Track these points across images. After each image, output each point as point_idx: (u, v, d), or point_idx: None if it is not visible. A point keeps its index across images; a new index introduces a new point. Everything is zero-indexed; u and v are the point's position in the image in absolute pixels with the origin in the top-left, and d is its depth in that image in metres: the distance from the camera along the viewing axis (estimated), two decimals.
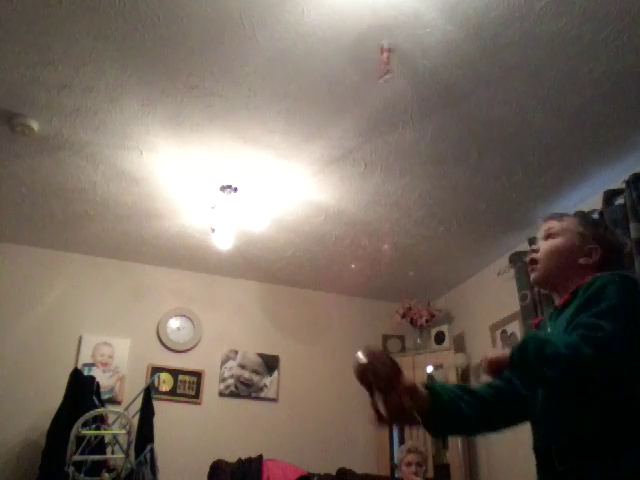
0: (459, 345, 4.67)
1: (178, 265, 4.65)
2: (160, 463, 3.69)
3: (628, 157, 3.27)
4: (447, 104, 2.92)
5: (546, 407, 1.50)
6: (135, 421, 3.71)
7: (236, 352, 4.62)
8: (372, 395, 1.39)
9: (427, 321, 4.78)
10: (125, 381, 4.22)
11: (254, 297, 4.87)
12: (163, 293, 4.61)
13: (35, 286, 4.28)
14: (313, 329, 4.94)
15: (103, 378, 4.08)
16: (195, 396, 4.37)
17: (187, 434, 4.24)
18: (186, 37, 2.54)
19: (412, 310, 4.83)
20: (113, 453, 3.63)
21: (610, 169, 3.38)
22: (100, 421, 3.60)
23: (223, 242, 3.72)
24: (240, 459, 4.01)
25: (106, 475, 3.40)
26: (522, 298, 3.80)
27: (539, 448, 1.52)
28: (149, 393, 3.87)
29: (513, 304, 3.99)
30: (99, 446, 3.54)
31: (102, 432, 3.56)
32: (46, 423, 3.63)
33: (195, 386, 4.39)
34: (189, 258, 4.53)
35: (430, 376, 4.44)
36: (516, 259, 3.94)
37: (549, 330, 1.58)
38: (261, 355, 4.68)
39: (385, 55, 2.45)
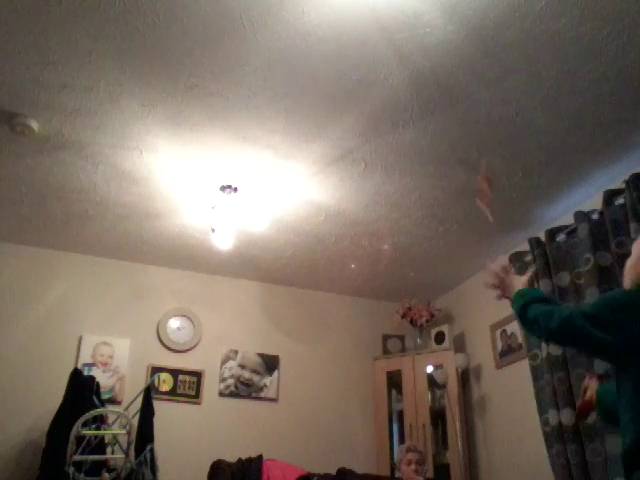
0: (459, 345, 4.67)
1: (178, 265, 4.65)
2: (160, 463, 3.69)
3: (628, 157, 3.28)
4: (447, 104, 2.92)
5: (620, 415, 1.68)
6: (135, 421, 3.71)
7: (236, 352, 4.62)
8: None
9: (427, 321, 4.78)
10: (125, 381, 4.22)
11: (254, 297, 4.87)
12: (163, 293, 4.61)
13: (35, 286, 4.28)
14: (313, 329, 4.94)
15: (103, 378, 4.08)
16: (195, 396, 4.37)
17: (187, 434, 4.24)
18: (186, 37, 2.54)
19: (412, 310, 4.83)
20: (113, 453, 3.63)
21: (610, 169, 3.38)
22: (100, 421, 3.60)
23: (223, 242, 3.72)
24: (240, 459, 4.01)
25: (106, 475, 3.40)
26: None
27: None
28: (149, 393, 3.87)
29: None
30: (99, 446, 3.54)
31: (102, 432, 3.56)
32: (46, 423, 3.62)
33: (195, 386, 4.39)
34: (189, 258, 4.53)
35: (430, 376, 4.44)
36: (516, 259, 3.93)
37: None
38: (261, 355, 4.68)
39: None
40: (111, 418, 3.73)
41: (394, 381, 4.73)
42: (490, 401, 4.32)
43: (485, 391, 4.40)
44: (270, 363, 4.68)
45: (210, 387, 4.44)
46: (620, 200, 3.25)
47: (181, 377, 4.38)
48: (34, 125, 3.06)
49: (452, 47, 2.57)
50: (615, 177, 3.36)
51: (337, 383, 4.79)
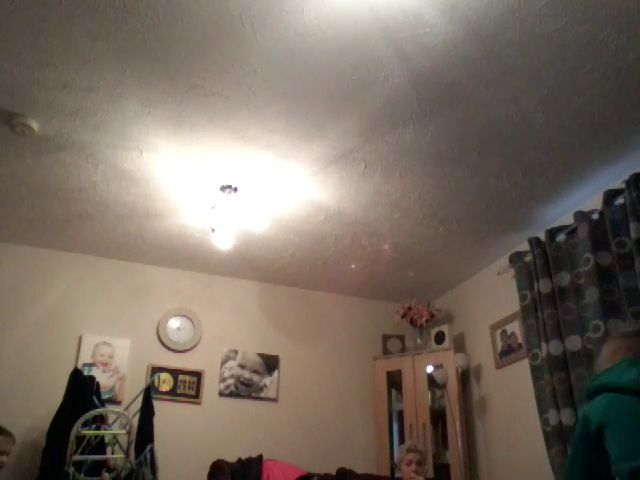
0: (459, 345, 4.67)
1: (178, 265, 4.65)
2: (160, 463, 3.70)
3: (628, 157, 3.28)
4: (447, 104, 2.92)
5: None
6: (135, 421, 3.71)
7: (236, 352, 4.62)
8: None
9: (427, 321, 4.78)
10: (125, 381, 4.22)
11: (254, 297, 4.87)
12: (163, 293, 4.61)
13: (35, 286, 4.28)
14: (313, 329, 4.94)
15: (103, 378, 4.08)
16: (195, 396, 4.37)
17: (187, 434, 4.24)
18: (186, 37, 2.54)
19: (412, 310, 4.83)
20: (113, 453, 3.63)
21: (610, 169, 3.38)
22: (100, 421, 3.60)
23: (223, 242, 3.72)
24: (240, 459, 4.01)
25: (106, 475, 3.40)
26: (522, 298, 3.80)
27: None
28: (149, 393, 3.88)
29: (513, 304, 3.99)
30: (99, 446, 3.54)
31: (102, 432, 3.56)
32: (46, 423, 3.63)
33: (195, 386, 4.39)
34: (189, 258, 4.53)
35: (430, 376, 4.44)
36: (516, 259, 3.94)
37: None
38: (261, 355, 4.68)
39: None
40: (111, 418, 3.73)
41: (394, 381, 4.72)
42: (490, 401, 4.32)
43: (485, 391, 4.40)
44: (270, 363, 4.68)
45: (210, 387, 4.44)
46: (620, 200, 3.25)
47: (181, 377, 4.38)
48: (34, 125, 3.06)
49: (452, 47, 2.57)
50: (615, 177, 3.36)
51: (337, 383, 4.79)
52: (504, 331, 4.23)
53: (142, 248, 4.39)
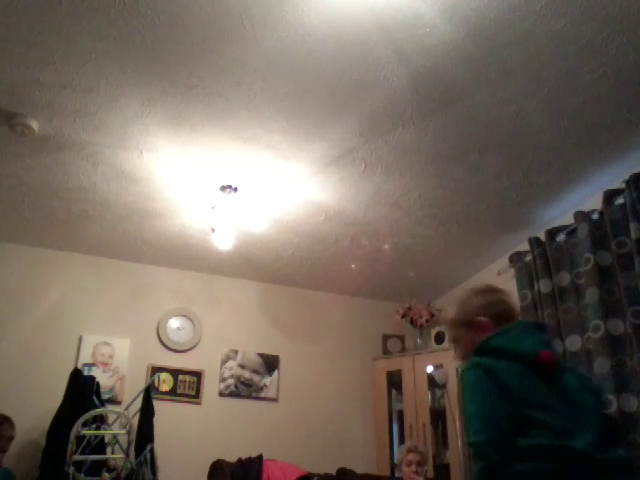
0: None
1: (178, 265, 4.65)
2: (160, 463, 3.70)
3: (628, 157, 3.27)
4: (447, 104, 2.92)
5: None
6: (135, 421, 3.71)
7: (236, 352, 4.62)
8: None
9: (427, 321, 4.78)
10: (125, 381, 4.23)
11: (254, 297, 4.87)
12: (163, 293, 4.61)
13: (35, 286, 4.28)
14: (313, 329, 4.95)
15: (103, 378, 4.09)
16: (195, 396, 4.37)
17: (187, 434, 4.24)
18: (186, 37, 2.54)
19: (412, 310, 4.83)
20: (113, 453, 3.63)
21: (610, 169, 3.38)
22: (100, 421, 3.60)
23: (223, 242, 3.72)
24: (240, 459, 4.02)
25: (106, 475, 3.40)
26: (522, 298, 3.80)
27: None
28: (149, 393, 3.88)
29: None
30: (99, 446, 3.54)
31: (102, 432, 3.57)
32: (46, 423, 3.63)
33: (195, 386, 4.39)
34: (189, 258, 4.53)
35: (430, 376, 4.44)
36: (516, 259, 3.94)
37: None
38: (261, 355, 4.68)
39: None
40: (111, 418, 3.73)
41: (394, 381, 4.73)
42: None
43: None
44: (270, 363, 4.68)
45: (210, 387, 4.44)
46: (620, 200, 3.25)
47: (181, 377, 4.38)
48: (34, 125, 3.06)
49: (452, 47, 2.57)
50: (615, 177, 3.36)
51: (337, 383, 4.79)
52: None
53: (142, 248, 4.39)
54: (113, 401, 4.10)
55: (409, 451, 3.57)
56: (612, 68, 2.69)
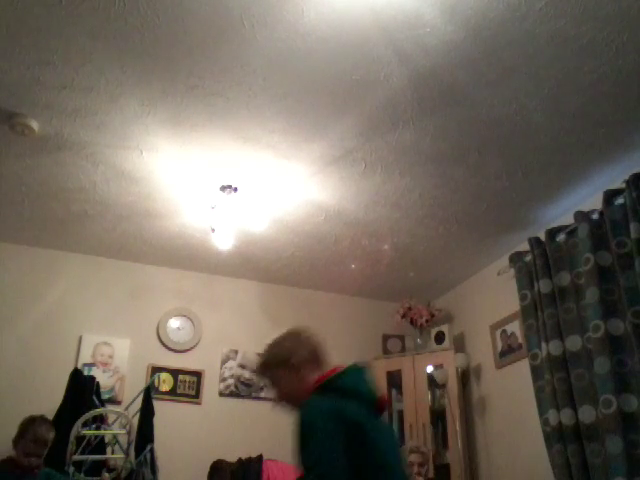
0: (459, 345, 4.67)
1: (178, 265, 4.65)
2: (160, 463, 3.70)
3: (628, 157, 3.28)
4: (447, 104, 2.92)
5: None
6: (135, 421, 3.71)
7: (236, 352, 4.62)
8: None
9: (427, 321, 4.77)
10: (125, 381, 4.22)
11: (254, 297, 4.87)
12: (163, 293, 4.60)
13: (35, 286, 4.28)
14: (313, 329, 4.93)
15: (103, 378, 4.08)
16: (195, 396, 4.37)
17: (187, 434, 4.24)
18: (186, 37, 2.54)
19: (412, 310, 4.83)
20: (113, 453, 3.63)
21: (610, 169, 3.38)
22: (100, 421, 3.60)
23: (223, 242, 3.72)
24: (240, 459, 4.01)
25: (106, 475, 3.40)
26: (522, 298, 3.80)
27: None
28: (149, 393, 3.88)
29: (513, 304, 3.99)
30: (99, 446, 3.54)
31: (102, 432, 3.57)
32: None
33: (195, 386, 4.39)
34: (189, 258, 4.53)
35: (430, 376, 4.44)
36: (516, 259, 3.94)
37: None
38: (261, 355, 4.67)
39: None
40: (111, 418, 3.73)
41: (394, 381, 4.72)
42: (490, 401, 4.32)
43: (485, 391, 4.39)
44: None
45: (210, 387, 4.44)
46: (620, 200, 3.25)
47: (181, 377, 4.38)
48: (34, 125, 3.06)
49: (452, 47, 2.57)
50: (615, 177, 3.36)
51: None
52: (504, 331, 4.23)
53: (142, 248, 4.39)
54: (113, 401, 4.10)
55: (411, 452, 3.56)
56: (612, 68, 2.69)
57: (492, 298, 4.43)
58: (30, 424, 2.96)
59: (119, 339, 4.31)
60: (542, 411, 3.48)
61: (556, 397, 3.37)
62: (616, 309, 3.16)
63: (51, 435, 3.01)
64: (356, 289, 5.01)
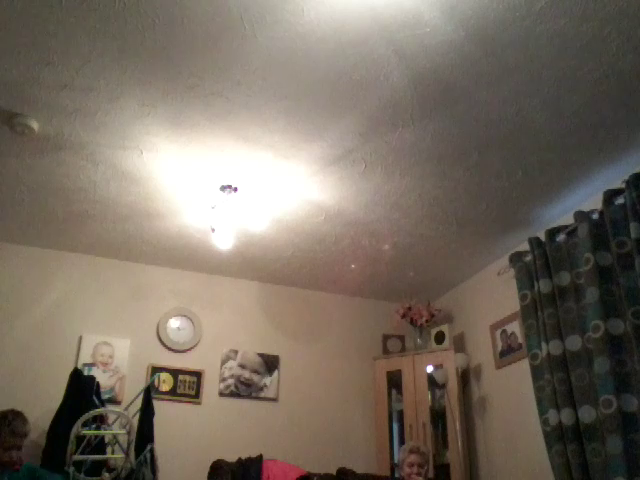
0: (459, 345, 4.67)
1: (178, 265, 4.65)
2: (160, 463, 3.70)
3: (628, 157, 3.28)
4: (447, 104, 2.92)
5: None
6: (135, 421, 3.71)
7: (236, 352, 4.62)
8: None
9: (427, 321, 4.78)
10: (125, 381, 4.22)
11: (254, 297, 4.87)
12: (163, 293, 4.61)
13: (35, 286, 4.28)
14: (313, 329, 4.94)
15: (103, 378, 4.08)
16: (195, 396, 4.37)
17: (187, 434, 4.24)
18: (186, 37, 2.54)
19: (412, 310, 4.83)
20: (113, 453, 3.63)
21: (610, 169, 3.38)
22: (100, 421, 3.60)
23: (223, 242, 3.72)
24: (240, 459, 4.01)
25: (106, 475, 3.40)
26: (522, 298, 3.80)
27: None
28: (149, 393, 3.88)
29: (513, 304, 3.99)
30: (99, 446, 3.54)
31: (102, 432, 3.56)
32: (46, 423, 3.63)
33: (195, 386, 4.39)
34: (189, 258, 4.53)
35: (430, 376, 4.44)
36: (516, 259, 3.94)
37: None
38: (261, 355, 4.68)
39: None
40: (111, 418, 3.73)
41: (394, 381, 4.72)
42: (490, 401, 4.32)
43: (485, 391, 4.40)
44: (270, 363, 4.68)
45: (210, 387, 4.44)
46: (620, 200, 3.25)
47: (181, 377, 4.38)
48: (34, 125, 3.06)
49: (452, 47, 2.58)
50: (615, 177, 3.37)
51: (337, 383, 4.79)
52: (504, 331, 4.24)
53: (142, 248, 4.39)
54: (113, 401, 4.10)
55: (411, 452, 3.55)
56: (612, 68, 2.69)
57: (492, 298, 4.43)
58: (3, 419, 2.95)
59: (119, 339, 4.31)
60: (542, 411, 3.48)
61: (556, 397, 3.37)
62: (616, 309, 3.16)
63: (28, 427, 3.02)
64: (356, 289, 5.02)
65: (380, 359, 4.81)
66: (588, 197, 3.60)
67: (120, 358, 4.27)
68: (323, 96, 2.88)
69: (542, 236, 3.72)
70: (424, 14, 2.41)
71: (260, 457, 4.04)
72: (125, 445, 3.59)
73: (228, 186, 3.58)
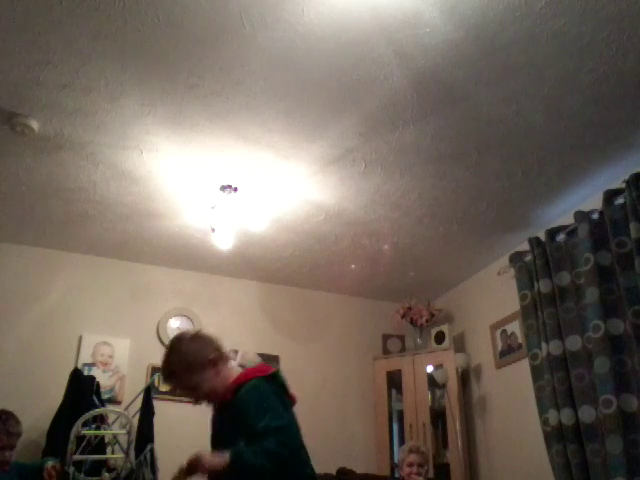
0: (459, 345, 4.67)
1: (178, 265, 4.65)
2: (160, 463, 3.69)
3: (628, 157, 3.28)
4: (447, 104, 2.92)
5: None
6: (135, 421, 3.71)
7: (236, 352, 4.60)
8: None
9: (427, 321, 4.78)
10: (125, 381, 4.22)
11: (254, 297, 4.87)
12: (163, 293, 4.60)
13: (35, 286, 4.27)
14: (313, 329, 4.94)
15: (103, 378, 4.08)
16: None
17: (187, 434, 4.23)
18: (186, 37, 2.54)
19: (412, 310, 4.83)
20: (113, 453, 3.62)
21: (610, 169, 3.38)
22: (100, 421, 3.60)
23: (223, 242, 3.72)
24: None
25: (106, 475, 3.40)
26: (522, 298, 3.80)
27: None
28: (149, 393, 3.87)
29: (513, 304, 3.99)
30: (99, 446, 3.54)
31: (102, 432, 3.56)
32: (46, 423, 3.62)
33: None
34: (189, 258, 4.53)
35: (430, 376, 4.44)
36: (516, 259, 3.94)
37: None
38: (261, 355, 4.66)
39: None
40: (111, 418, 3.72)
41: (394, 381, 4.72)
42: (490, 401, 4.32)
43: (485, 391, 4.40)
44: (270, 363, 4.67)
45: None
46: (620, 200, 3.25)
47: None
48: (34, 125, 3.06)
49: (452, 47, 2.58)
50: (615, 177, 3.37)
51: (337, 383, 4.78)
52: (504, 331, 4.24)
53: (142, 248, 4.39)
54: (113, 401, 4.09)
55: (411, 452, 3.54)
56: (612, 68, 2.69)
57: (492, 298, 4.43)
58: None
59: (119, 339, 4.31)
60: (542, 411, 3.49)
61: (556, 397, 3.37)
62: (616, 309, 3.16)
63: (20, 428, 3.08)
64: (356, 289, 5.01)
65: (380, 359, 4.81)
66: (588, 197, 3.60)
67: (120, 358, 4.26)
68: (323, 96, 2.88)
69: (542, 236, 3.72)
70: (424, 14, 2.41)
71: None
72: (125, 445, 3.58)
73: (228, 186, 3.58)
